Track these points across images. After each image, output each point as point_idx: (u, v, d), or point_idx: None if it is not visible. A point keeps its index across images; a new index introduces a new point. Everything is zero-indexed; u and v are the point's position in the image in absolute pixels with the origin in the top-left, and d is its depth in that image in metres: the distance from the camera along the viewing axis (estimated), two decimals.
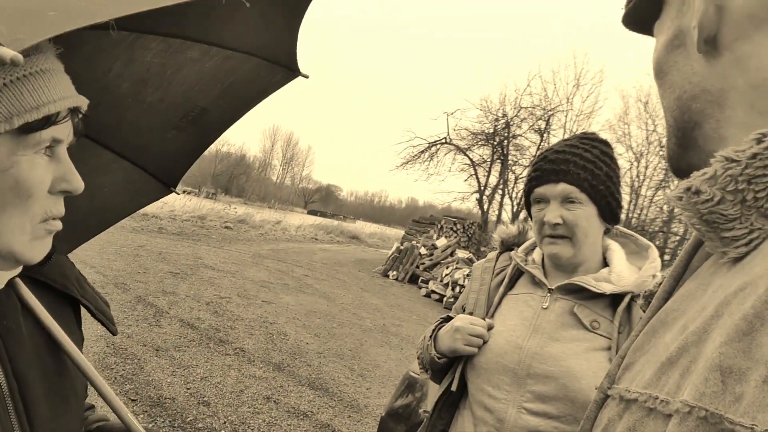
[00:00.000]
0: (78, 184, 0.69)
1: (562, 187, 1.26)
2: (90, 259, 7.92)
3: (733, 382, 0.35)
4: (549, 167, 1.28)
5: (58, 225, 0.70)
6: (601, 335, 1.22)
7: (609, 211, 1.29)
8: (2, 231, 0.64)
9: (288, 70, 1.22)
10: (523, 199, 1.41)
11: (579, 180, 1.25)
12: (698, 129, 0.50)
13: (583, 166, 1.25)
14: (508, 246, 1.52)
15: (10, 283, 0.73)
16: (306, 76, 1.25)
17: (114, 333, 0.91)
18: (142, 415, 3.48)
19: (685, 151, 0.53)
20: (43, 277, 0.80)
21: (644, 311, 0.58)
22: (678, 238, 16.52)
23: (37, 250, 0.68)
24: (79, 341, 0.85)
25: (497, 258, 1.50)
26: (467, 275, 12.09)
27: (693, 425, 0.36)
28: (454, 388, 1.34)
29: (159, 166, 1.31)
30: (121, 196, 1.33)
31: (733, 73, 0.46)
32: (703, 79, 0.49)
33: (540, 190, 1.30)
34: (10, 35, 0.47)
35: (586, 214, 1.26)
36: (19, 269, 0.74)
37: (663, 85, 0.54)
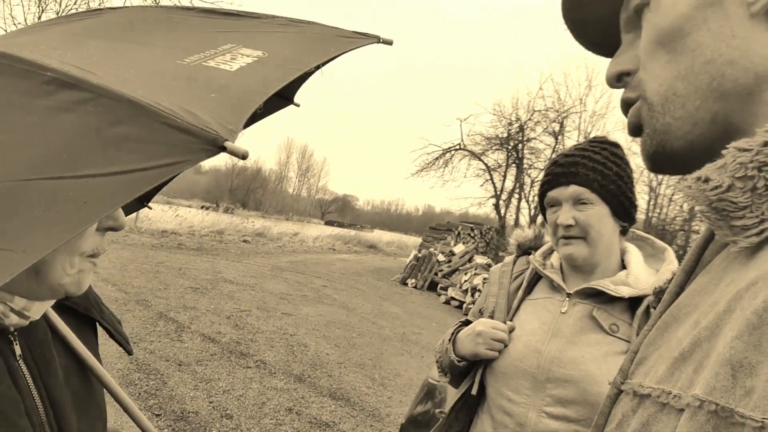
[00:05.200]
0: (123, 221, 0.75)
1: (573, 189, 1.28)
2: (111, 277, 8.04)
3: (744, 376, 0.35)
4: (559, 171, 1.31)
5: (97, 260, 0.75)
6: (620, 338, 1.22)
7: (622, 210, 1.30)
8: (55, 267, 0.67)
9: (281, 98, 1.20)
10: (537, 204, 1.45)
11: (588, 181, 1.27)
12: (725, 101, 0.45)
13: (592, 167, 1.27)
14: (524, 250, 1.53)
15: None
16: (297, 105, 1.24)
17: (130, 353, 0.94)
18: (166, 430, 3.51)
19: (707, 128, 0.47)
20: (67, 301, 0.83)
21: (654, 308, 0.57)
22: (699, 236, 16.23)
23: (84, 283, 0.73)
24: (98, 361, 0.87)
25: (514, 262, 1.51)
26: (486, 279, 12.00)
27: (704, 419, 0.36)
28: (474, 391, 1.35)
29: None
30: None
31: None
32: (746, 43, 0.44)
33: (552, 194, 1.32)
34: (223, 129, 0.51)
35: (598, 214, 1.27)
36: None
37: (676, 48, 0.48)
